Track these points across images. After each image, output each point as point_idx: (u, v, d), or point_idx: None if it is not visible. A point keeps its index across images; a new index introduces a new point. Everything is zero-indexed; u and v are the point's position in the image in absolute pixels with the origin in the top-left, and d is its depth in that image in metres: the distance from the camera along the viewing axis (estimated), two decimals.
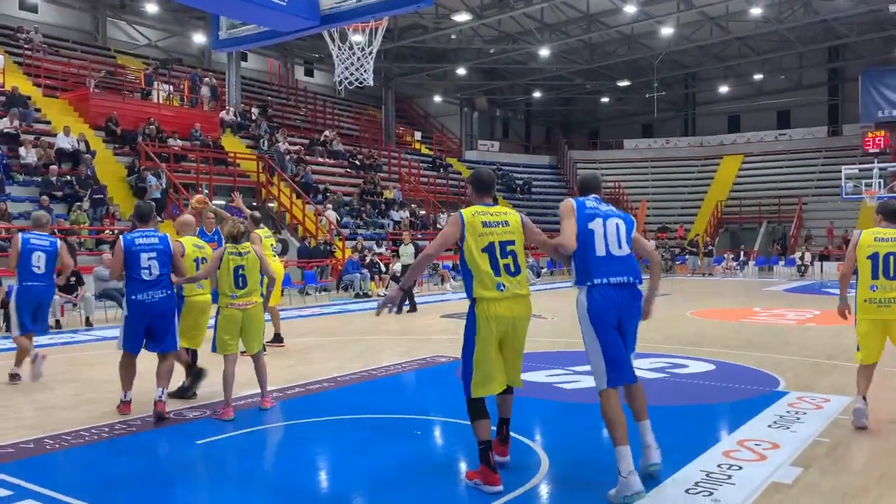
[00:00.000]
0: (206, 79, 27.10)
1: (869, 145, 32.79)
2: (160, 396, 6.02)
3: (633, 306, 4.37)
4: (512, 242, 4.43)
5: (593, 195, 4.57)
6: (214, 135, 24.03)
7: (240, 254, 6.21)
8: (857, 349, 5.83)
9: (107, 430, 5.74)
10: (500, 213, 4.54)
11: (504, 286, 4.33)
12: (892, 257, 5.53)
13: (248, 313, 6.21)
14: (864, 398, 5.66)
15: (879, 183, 25.24)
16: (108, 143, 21.14)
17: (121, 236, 6.35)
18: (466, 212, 4.48)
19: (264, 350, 6.77)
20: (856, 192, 26.12)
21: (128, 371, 6.33)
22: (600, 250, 4.27)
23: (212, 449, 5.34)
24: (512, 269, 4.39)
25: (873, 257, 5.60)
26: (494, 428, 4.72)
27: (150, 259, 6.11)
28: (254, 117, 27.18)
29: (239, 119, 26.31)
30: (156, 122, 21.84)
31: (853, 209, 30.14)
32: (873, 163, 27.16)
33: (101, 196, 17.29)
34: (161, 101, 24.27)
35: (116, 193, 18.79)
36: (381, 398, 6.99)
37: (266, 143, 25.30)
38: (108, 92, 23.42)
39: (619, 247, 4.31)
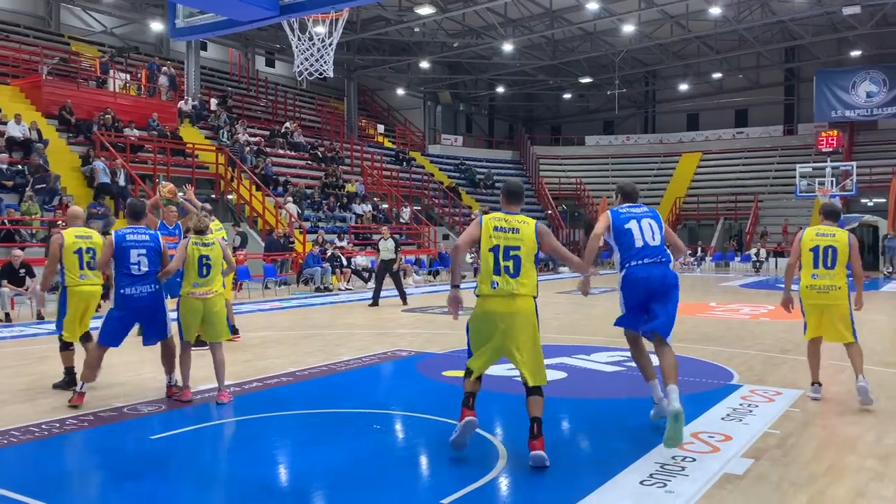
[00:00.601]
0: (165, 68, 26.58)
1: (822, 144, 33.60)
2: (171, 382, 6.52)
3: (664, 277, 5.41)
4: (517, 248, 4.86)
5: (627, 203, 5.67)
6: (172, 125, 23.60)
7: (205, 244, 6.41)
8: (804, 331, 6.71)
9: (58, 425, 5.61)
10: (514, 221, 4.95)
11: (497, 284, 4.83)
12: (830, 250, 6.46)
13: (208, 302, 6.34)
14: (819, 384, 6.53)
15: (832, 181, 25.87)
16: (62, 132, 20.61)
17: (113, 231, 6.45)
18: (486, 216, 5.03)
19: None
20: (809, 190, 26.75)
21: (93, 365, 6.28)
22: (638, 242, 5.40)
23: (167, 444, 5.25)
24: (511, 270, 4.83)
25: (815, 250, 6.52)
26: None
27: (139, 255, 6.23)
28: (213, 108, 26.76)
29: (198, 109, 25.88)
30: (112, 112, 21.37)
31: (807, 207, 30.85)
32: (826, 162, 27.84)
33: (44, 185, 16.80)
34: (117, 90, 23.73)
35: (70, 183, 18.34)
36: (339, 393, 6.95)
37: (226, 134, 24.93)
38: (61, 79, 22.81)
39: (653, 238, 5.44)
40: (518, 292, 4.81)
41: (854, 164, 27.14)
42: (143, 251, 6.24)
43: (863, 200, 30.85)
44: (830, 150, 32.83)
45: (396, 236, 17.44)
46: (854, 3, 26.72)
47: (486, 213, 5.30)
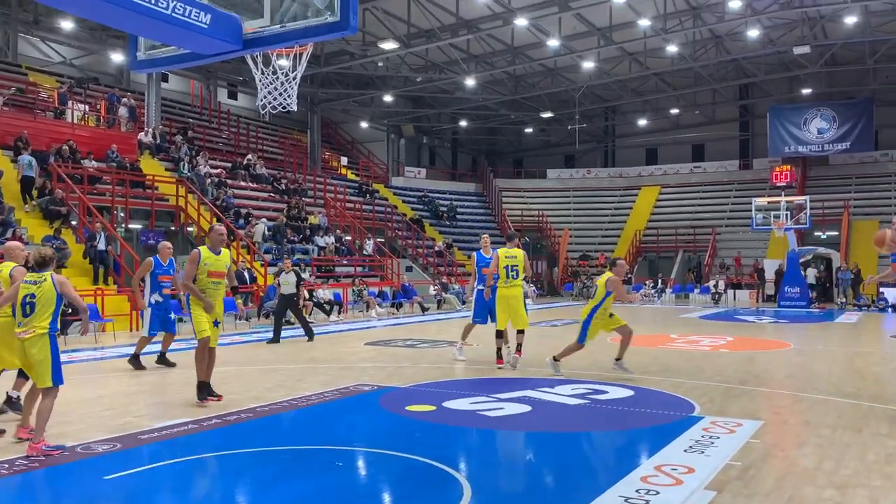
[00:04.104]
0: (125, 99, 26.31)
1: (776, 179, 34.51)
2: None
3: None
4: (515, 266, 10.20)
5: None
6: (132, 157, 23.30)
7: (35, 282, 6.03)
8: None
9: (6, 466, 5.40)
10: (514, 253, 10.27)
11: (508, 281, 10.15)
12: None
13: (26, 343, 5.94)
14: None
15: (787, 215, 26.52)
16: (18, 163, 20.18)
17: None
18: (500, 251, 10.30)
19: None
20: (765, 223, 27.37)
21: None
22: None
23: (122, 485, 5.08)
24: (513, 275, 10.16)
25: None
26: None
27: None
28: (174, 140, 26.51)
29: (158, 141, 25.62)
30: (72, 143, 21.04)
31: (763, 239, 31.59)
32: (781, 195, 28.57)
33: None
34: (76, 121, 23.38)
35: (25, 215, 17.94)
36: (301, 429, 6.83)
37: (186, 165, 24.70)
38: (17, 110, 22.43)
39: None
40: (517, 283, 10.19)
41: (807, 198, 27.88)
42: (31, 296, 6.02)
43: (816, 233, 31.68)
44: (784, 184, 33.73)
45: (298, 269, 16.95)
46: (804, 44, 27.77)
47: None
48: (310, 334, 14.19)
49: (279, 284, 14.57)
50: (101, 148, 22.26)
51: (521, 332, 10.38)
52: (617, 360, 9.57)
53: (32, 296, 5.98)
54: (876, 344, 14.33)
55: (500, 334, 10.49)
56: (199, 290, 7.58)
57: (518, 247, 10.54)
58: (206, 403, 7.45)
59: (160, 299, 10.25)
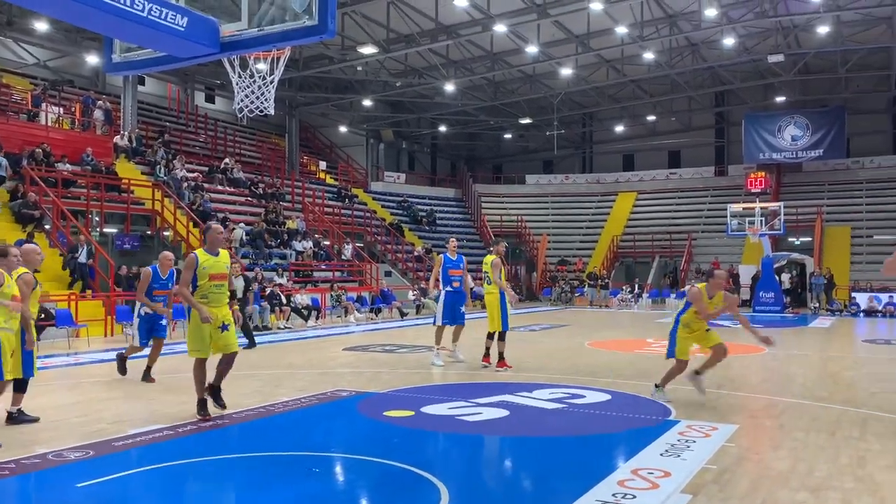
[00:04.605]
0: (100, 102, 26.02)
1: (751, 185, 34.92)
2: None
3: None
4: (487, 272, 10.82)
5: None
6: (107, 160, 23.04)
7: None
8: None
9: None
10: (486, 259, 11.00)
11: (483, 286, 11.18)
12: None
13: None
14: None
15: (761, 221, 26.84)
16: None
17: None
18: (487, 258, 11.01)
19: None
20: (740, 228, 27.67)
21: None
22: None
23: (94, 493, 5.01)
24: (487, 280, 10.91)
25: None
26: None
27: None
28: (150, 143, 26.27)
29: (134, 144, 25.36)
30: (46, 146, 20.76)
31: (738, 245, 31.94)
32: (755, 202, 28.92)
33: None
34: (50, 124, 23.08)
35: None
36: (277, 435, 6.78)
37: (162, 169, 24.46)
38: None
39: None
40: (488, 291, 10.84)
41: (781, 204, 28.25)
42: None
43: (790, 239, 32.08)
44: (759, 190, 34.13)
45: (248, 275, 16.48)
46: (778, 52, 28.17)
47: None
48: (251, 341, 13.58)
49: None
50: (75, 151, 21.99)
51: (489, 335, 10.80)
52: (696, 372, 8.25)
53: None
54: (848, 348, 14.53)
55: (490, 335, 10.89)
56: (202, 295, 7.00)
57: (497, 253, 10.99)
58: (207, 419, 7.04)
59: (150, 312, 9.61)
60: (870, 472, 5.41)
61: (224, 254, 7.35)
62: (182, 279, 7.08)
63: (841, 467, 5.55)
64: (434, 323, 11.44)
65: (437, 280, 11.43)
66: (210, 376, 7.21)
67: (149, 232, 21.46)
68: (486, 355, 10.89)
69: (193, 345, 7.10)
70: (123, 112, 26.51)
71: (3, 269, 6.37)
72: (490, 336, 10.87)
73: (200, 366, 7.17)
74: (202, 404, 7.16)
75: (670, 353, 8.23)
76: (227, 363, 7.24)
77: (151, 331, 9.70)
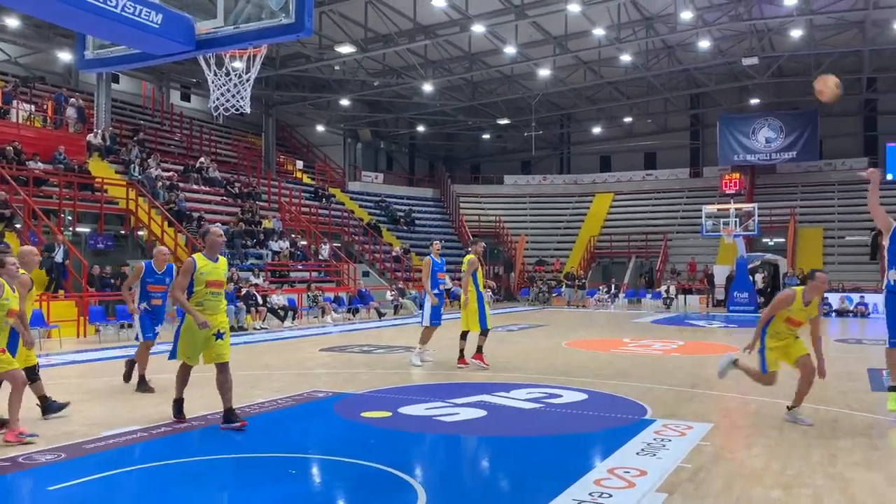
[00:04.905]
0: (73, 99, 25.66)
1: (726, 187, 35.28)
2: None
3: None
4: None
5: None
6: (80, 159, 22.73)
7: None
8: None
9: None
10: (463, 260, 11.06)
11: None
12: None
13: None
14: None
15: (736, 222, 27.14)
16: None
17: None
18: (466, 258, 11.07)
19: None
20: (714, 229, 27.96)
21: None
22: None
23: (65, 496, 4.93)
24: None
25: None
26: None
27: None
28: (124, 141, 25.95)
29: (108, 143, 25.04)
30: (17, 144, 20.43)
31: (713, 245, 32.27)
32: (730, 203, 29.25)
33: None
34: (21, 122, 22.71)
35: None
36: (253, 436, 6.72)
37: (137, 168, 24.18)
38: None
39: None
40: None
41: (755, 205, 28.57)
42: None
43: (764, 240, 32.47)
44: (733, 192, 34.49)
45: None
46: (752, 55, 28.53)
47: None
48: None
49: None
50: (47, 149, 21.67)
51: (462, 335, 10.89)
52: (789, 408, 7.29)
53: None
54: None
55: (463, 336, 10.92)
56: (197, 302, 6.72)
57: (475, 253, 11.08)
58: (182, 422, 6.91)
59: (149, 309, 9.03)
60: (840, 470, 5.49)
61: (223, 260, 7.07)
62: (177, 283, 6.82)
63: (813, 465, 5.63)
64: (422, 324, 11.37)
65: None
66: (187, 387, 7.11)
67: (123, 232, 21.22)
68: (462, 357, 10.88)
69: (184, 350, 6.84)
70: (97, 110, 26.17)
71: (3, 280, 6.26)
72: (463, 337, 10.90)
73: (186, 369, 7.02)
74: (178, 406, 7.03)
75: (763, 370, 7.37)
76: (225, 379, 6.84)
77: (156, 321, 9.10)
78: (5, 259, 6.42)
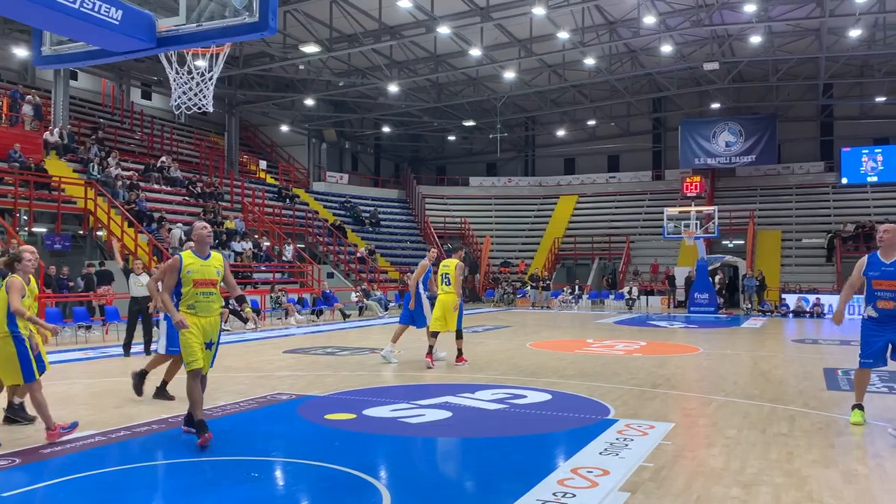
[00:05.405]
0: (29, 97, 25.05)
1: (687, 189, 35.86)
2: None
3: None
4: (447, 275, 11.19)
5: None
6: (37, 157, 22.19)
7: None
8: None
9: None
10: (447, 263, 11.33)
11: (441, 287, 11.23)
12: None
13: None
14: None
15: (696, 224, 27.58)
16: None
17: None
18: (450, 261, 11.36)
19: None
20: (676, 231, 28.38)
21: None
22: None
23: (21, 501, 4.81)
24: (445, 282, 11.20)
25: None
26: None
27: None
28: (83, 140, 25.41)
29: (65, 141, 24.50)
30: None
31: (674, 247, 32.75)
32: (691, 205, 29.71)
33: None
34: None
35: None
36: (215, 440, 6.62)
37: (96, 167, 23.70)
38: None
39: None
40: (447, 290, 11.12)
41: (716, 208, 29.07)
42: None
43: (724, 242, 33.06)
44: (694, 194, 35.08)
45: (151, 272, 15.63)
46: (713, 60, 29.05)
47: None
48: (148, 348, 12.72)
49: (130, 286, 12.93)
50: (2, 147, 21.12)
51: (433, 334, 11.23)
52: None
53: None
54: (778, 348, 15.05)
55: (434, 335, 11.27)
56: (187, 304, 6.29)
57: (460, 259, 11.50)
58: (208, 438, 6.19)
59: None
60: (797, 467, 5.61)
61: (216, 257, 6.53)
62: (156, 277, 6.47)
63: (771, 463, 5.74)
64: (425, 326, 11.68)
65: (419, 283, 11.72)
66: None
67: (81, 232, 20.78)
68: (430, 353, 11.08)
69: (187, 356, 6.27)
70: (54, 107, 25.60)
71: (19, 275, 6.43)
72: (434, 335, 11.17)
73: (194, 379, 6.28)
74: (201, 426, 6.25)
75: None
76: (202, 388, 6.48)
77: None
78: (23, 255, 6.47)
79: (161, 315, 8.51)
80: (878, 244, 7.11)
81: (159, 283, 6.71)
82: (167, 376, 8.34)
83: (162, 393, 8.27)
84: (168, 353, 8.30)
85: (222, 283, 6.61)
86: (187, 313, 6.27)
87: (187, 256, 6.39)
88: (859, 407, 7.22)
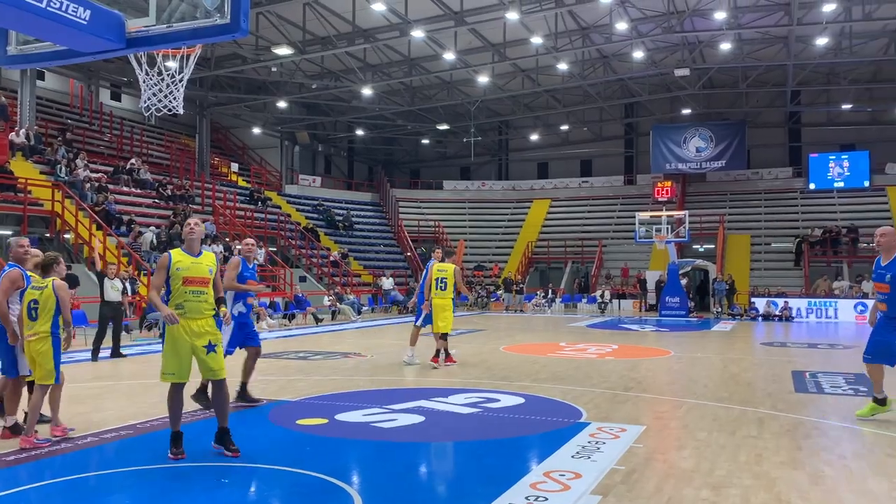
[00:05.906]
0: None
1: (659, 194, 36.25)
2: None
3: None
4: (444, 279, 11.47)
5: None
6: (2, 158, 21.75)
7: (38, 288, 6.49)
8: None
9: None
10: (444, 267, 11.59)
11: (437, 292, 11.44)
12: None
13: (31, 345, 6.43)
14: None
15: (667, 228, 27.87)
16: None
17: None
18: (434, 265, 11.57)
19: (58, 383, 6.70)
20: (647, 236, 28.65)
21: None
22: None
23: None
24: (441, 286, 11.45)
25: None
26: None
27: None
28: (50, 141, 24.98)
29: (32, 142, 24.07)
30: None
31: (646, 251, 33.06)
32: (662, 210, 30.01)
33: None
34: None
35: None
36: (185, 445, 6.53)
37: (63, 169, 23.32)
38: None
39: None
40: (444, 295, 11.45)
41: (686, 212, 29.40)
42: None
43: (695, 246, 33.44)
44: (666, 199, 35.45)
45: (126, 278, 15.39)
46: (684, 67, 29.41)
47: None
48: (117, 351, 12.84)
49: (103, 290, 12.76)
50: None
51: (443, 336, 11.74)
52: None
53: (35, 301, 6.42)
54: (748, 350, 15.25)
55: (443, 336, 11.73)
56: (176, 304, 5.98)
57: (453, 262, 11.92)
58: (181, 457, 5.97)
59: (244, 310, 8.19)
60: (766, 469, 5.68)
61: (208, 255, 6.25)
62: (152, 281, 6.17)
63: (740, 465, 5.80)
64: (418, 325, 12.01)
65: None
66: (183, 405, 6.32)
67: (48, 234, 20.41)
68: (448, 355, 11.76)
69: (168, 365, 5.96)
70: (21, 108, 25.14)
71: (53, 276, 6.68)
72: (444, 337, 11.73)
73: (176, 393, 6.05)
74: (176, 439, 6.07)
75: None
76: (221, 396, 6.20)
77: (247, 337, 8.27)
78: (59, 258, 6.81)
79: (230, 309, 7.87)
80: (876, 248, 7.43)
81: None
82: (245, 376, 8.42)
83: (245, 395, 8.36)
84: (226, 353, 7.84)
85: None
86: (177, 313, 5.97)
87: (176, 254, 6.14)
88: (875, 399, 7.48)
